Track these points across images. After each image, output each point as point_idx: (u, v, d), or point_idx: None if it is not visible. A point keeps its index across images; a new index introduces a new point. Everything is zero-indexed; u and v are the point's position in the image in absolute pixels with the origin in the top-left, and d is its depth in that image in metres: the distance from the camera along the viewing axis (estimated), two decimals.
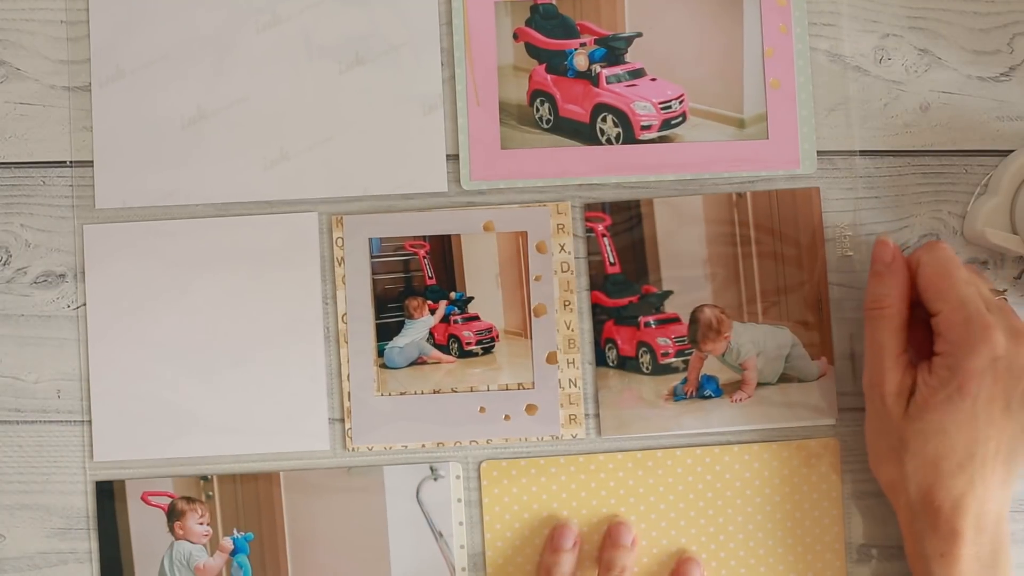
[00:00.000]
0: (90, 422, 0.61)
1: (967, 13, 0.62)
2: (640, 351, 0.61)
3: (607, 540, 0.59)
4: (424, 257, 0.61)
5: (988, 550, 0.54)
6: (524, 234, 0.61)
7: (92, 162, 0.61)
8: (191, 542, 0.60)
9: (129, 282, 0.61)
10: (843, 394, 0.61)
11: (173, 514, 0.60)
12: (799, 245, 0.61)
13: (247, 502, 0.60)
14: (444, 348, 0.61)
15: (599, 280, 0.61)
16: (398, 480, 0.60)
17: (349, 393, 0.61)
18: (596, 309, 0.61)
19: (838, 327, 0.62)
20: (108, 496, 0.60)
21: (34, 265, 0.61)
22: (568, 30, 0.62)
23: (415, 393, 0.61)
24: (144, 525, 0.60)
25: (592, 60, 0.62)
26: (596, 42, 0.62)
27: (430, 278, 0.61)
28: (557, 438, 0.61)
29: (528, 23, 0.62)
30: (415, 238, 0.61)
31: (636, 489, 0.61)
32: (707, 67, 0.62)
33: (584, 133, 0.62)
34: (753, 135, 0.62)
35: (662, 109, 0.62)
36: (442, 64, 0.62)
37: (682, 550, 0.61)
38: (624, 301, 0.61)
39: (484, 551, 0.61)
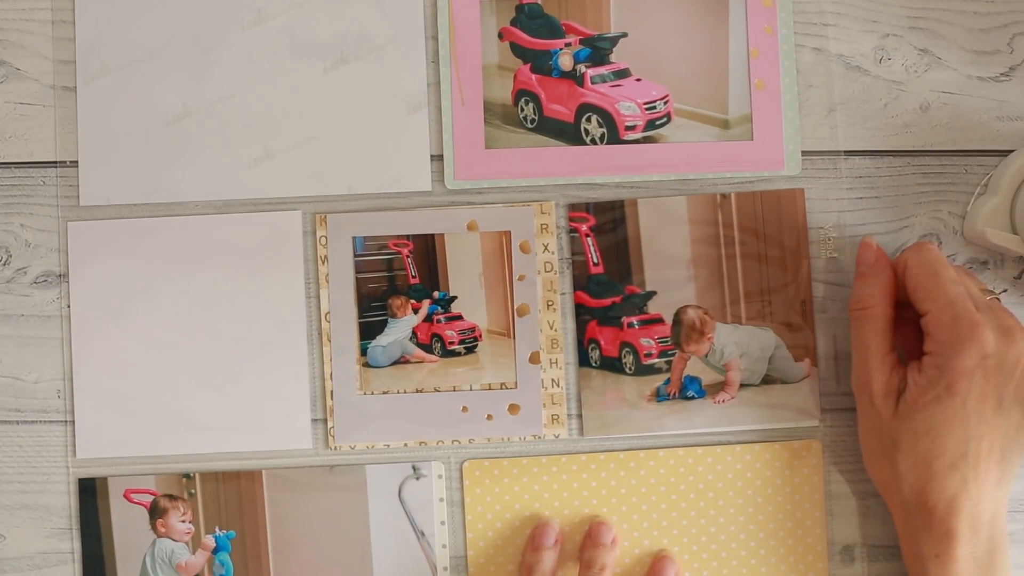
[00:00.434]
0: (73, 422, 0.61)
1: (967, 13, 0.62)
2: (623, 351, 0.61)
3: (588, 539, 0.60)
4: (407, 256, 0.61)
5: (984, 550, 0.54)
6: (508, 234, 0.61)
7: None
8: (173, 540, 0.60)
9: (113, 280, 0.61)
10: (826, 395, 0.61)
11: (155, 512, 0.61)
12: (783, 246, 0.61)
13: (229, 500, 0.60)
14: (427, 347, 0.61)
15: (582, 280, 0.61)
16: (380, 479, 0.60)
17: (332, 392, 0.61)
18: (579, 309, 0.61)
19: (822, 329, 0.62)
20: (91, 493, 0.61)
21: (34, 265, 0.61)
22: (553, 30, 0.62)
23: (398, 392, 0.61)
24: (126, 523, 0.60)
25: (577, 60, 0.62)
26: (581, 42, 0.62)
27: (413, 277, 0.61)
28: (539, 438, 0.61)
29: (513, 23, 0.62)
30: (399, 237, 0.61)
31: (618, 490, 0.61)
32: (692, 68, 0.62)
33: (568, 133, 0.62)
34: (738, 136, 0.62)
35: (647, 109, 0.62)
36: (427, 63, 0.62)
37: (662, 550, 0.61)
38: (607, 301, 0.61)
39: (466, 551, 0.61)
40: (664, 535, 0.61)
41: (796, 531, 0.61)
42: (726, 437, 0.61)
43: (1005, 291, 0.62)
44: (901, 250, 0.62)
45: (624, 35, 0.62)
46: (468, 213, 0.61)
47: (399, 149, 0.61)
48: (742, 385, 0.61)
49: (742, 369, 0.61)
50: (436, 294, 0.61)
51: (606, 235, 0.61)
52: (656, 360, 0.61)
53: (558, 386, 0.61)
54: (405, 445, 0.61)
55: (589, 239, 0.61)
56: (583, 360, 0.61)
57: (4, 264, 0.61)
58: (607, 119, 0.61)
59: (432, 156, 0.61)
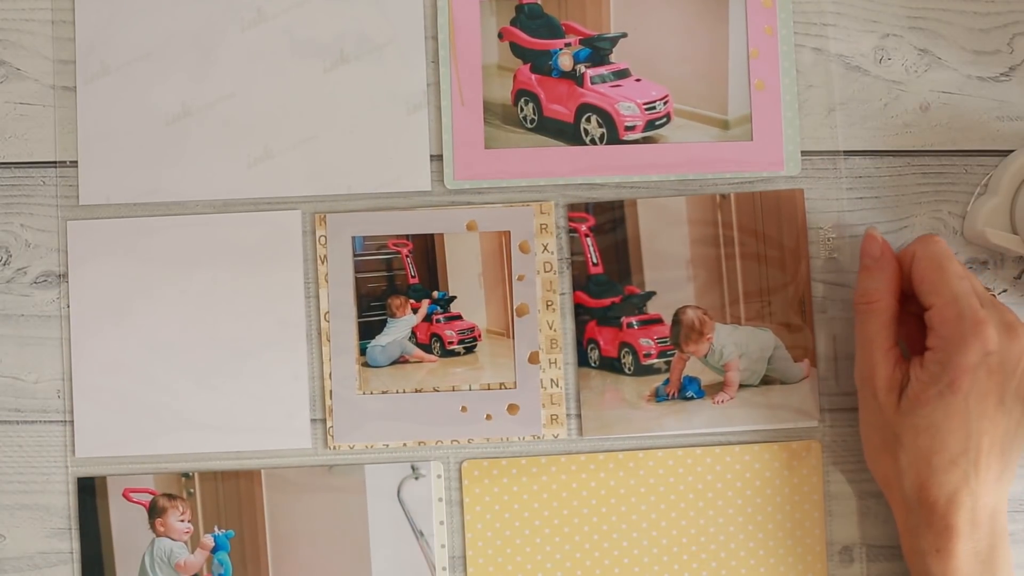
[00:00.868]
0: (72, 421, 0.61)
1: (967, 13, 0.62)
2: (622, 352, 0.61)
3: None
4: (407, 256, 0.61)
5: (985, 545, 0.54)
6: (507, 234, 0.61)
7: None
8: (172, 539, 0.61)
9: (113, 279, 0.61)
10: (825, 396, 0.61)
11: (154, 511, 0.61)
12: (782, 247, 0.61)
13: (228, 499, 0.61)
14: (426, 347, 0.61)
15: (582, 280, 0.61)
16: (379, 479, 0.60)
17: (331, 391, 0.61)
18: (579, 309, 0.61)
19: (821, 329, 0.62)
20: (90, 493, 0.61)
21: (34, 265, 0.61)
22: (553, 30, 0.62)
23: (397, 392, 0.61)
24: (125, 522, 0.60)
25: (577, 60, 0.62)
26: (581, 42, 0.62)
27: (413, 277, 0.61)
28: (539, 438, 0.61)
29: (513, 23, 0.62)
30: (398, 237, 0.61)
31: (617, 490, 0.61)
32: (692, 68, 0.62)
33: (568, 133, 0.62)
34: (737, 136, 0.62)
35: (646, 110, 0.62)
36: (427, 63, 0.62)
37: (663, 551, 0.61)
38: (607, 302, 0.61)
39: (465, 551, 0.61)
40: (663, 535, 0.61)
41: (795, 531, 0.61)
42: (725, 437, 0.61)
43: (1005, 291, 0.62)
44: (902, 248, 0.62)
45: (624, 35, 0.62)
46: (468, 213, 0.61)
47: (399, 149, 0.61)
48: (741, 385, 0.61)
49: (741, 369, 0.61)
50: (435, 294, 0.61)
51: (606, 235, 0.61)
52: (655, 360, 0.61)
53: (557, 386, 0.61)
54: (404, 445, 0.61)
55: (588, 239, 0.61)
56: (582, 360, 0.61)
57: (4, 264, 0.61)
58: (607, 119, 0.61)
59: (432, 156, 0.61)
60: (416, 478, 0.61)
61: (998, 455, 0.54)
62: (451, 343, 0.61)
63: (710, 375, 0.61)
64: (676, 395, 0.61)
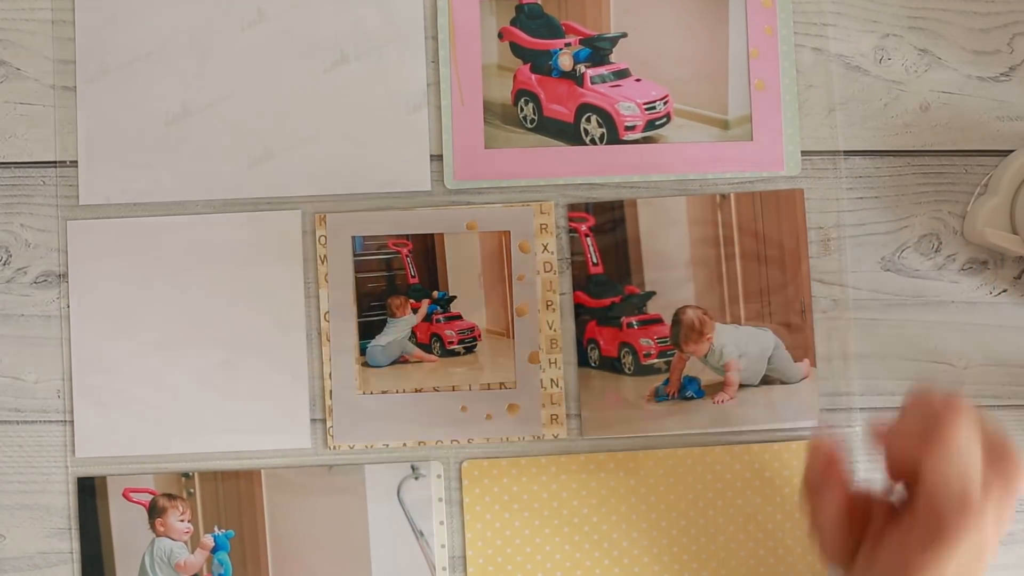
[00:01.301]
0: (72, 421, 0.61)
1: (967, 13, 0.62)
2: (622, 352, 0.61)
3: None
4: (407, 256, 0.61)
5: None
6: (507, 234, 0.61)
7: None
8: (172, 539, 0.60)
9: (113, 279, 0.61)
10: (825, 396, 0.61)
11: (154, 511, 0.61)
12: (782, 247, 0.61)
13: (228, 499, 0.61)
14: (426, 347, 0.61)
15: (582, 280, 0.61)
16: (379, 479, 0.60)
17: (331, 391, 0.61)
18: (579, 309, 0.61)
19: (821, 329, 0.62)
20: (90, 493, 0.61)
21: (34, 265, 0.61)
22: (553, 30, 0.62)
23: (397, 392, 0.61)
24: (125, 522, 0.60)
25: (577, 60, 0.62)
26: (581, 42, 0.62)
27: (413, 277, 0.61)
28: (539, 438, 0.61)
29: (513, 23, 0.62)
30: (398, 237, 0.61)
31: (617, 490, 0.61)
32: (692, 68, 0.62)
33: (568, 133, 0.62)
34: (737, 136, 0.62)
35: (646, 110, 0.62)
36: (427, 63, 0.62)
37: (663, 551, 0.61)
38: (607, 301, 0.61)
39: (465, 551, 0.61)
40: (663, 535, 0.61)
41: (794, 532, 0.61)
42: (725, 437, 0.61)
43: (1005, 291, 0.62)
44: (902, 248, 0.62)
45: (624, 35, 0.62)
46: (467, 213, 0.61)
47: (399, 149, 0.61)
48: (741, 385, 0.61)
49: (741, 369, 0.61)
50: (435, 294, 0.61)
51: (605, 235, 0.61)
52: (655, 360, 0.61)
53: (557, 386, 0.61)
54: (404, 445, 0.61)
55: (588, 239, 0.61)
56: (582, 360, 0.61)
57: (4, 264, 0.61)
58: (607, 119, 0.61)
59: (432, 156, 0.61)
60: (416, 478, 0.61)
61: None
62: (451, 343, 0.61)
63: (710, 375, 0.61)
64: (676, 395, 0.61)
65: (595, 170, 0.61)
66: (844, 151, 0.62)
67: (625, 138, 0.61)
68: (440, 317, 0.61)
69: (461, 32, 0.62)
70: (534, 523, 0.61)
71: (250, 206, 0.61)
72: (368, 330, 0.61)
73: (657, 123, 0.62)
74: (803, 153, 0.62)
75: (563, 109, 0.62)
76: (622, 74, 0.62)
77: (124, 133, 0.61)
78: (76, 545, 0.61)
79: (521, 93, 0.62)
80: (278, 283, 0.61)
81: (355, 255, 0.61)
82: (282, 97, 0.61)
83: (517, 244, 0.61)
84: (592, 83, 0.62)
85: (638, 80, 0.62)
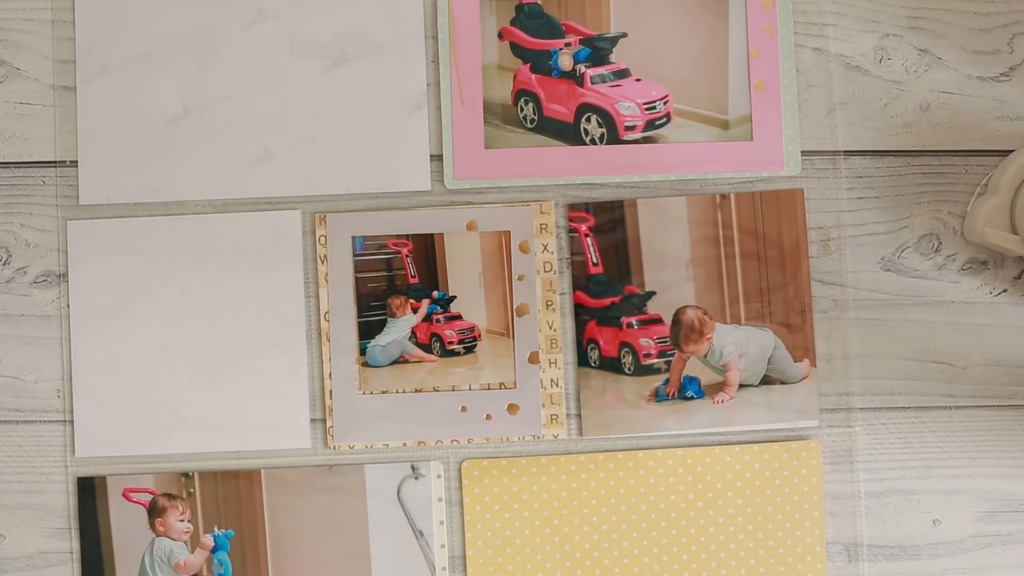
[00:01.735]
0: (72, 421, 0.61)
1: (967, 13, 0.62)
2: (622, 352, 0.61)
3: None
4: (407, 256, 0.61)
5: None
6: (507, 234, 0.61)
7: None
8: (172, 539, 0.60)
9: (112, 279, 0.61)
10: (825, 396, 0.61)
11: (154, 511, 0.61)
12: (782, 247, 0.61)
13: (228, 499, 0.61)
14: (426, 347, 0.61)
15: (582, 280, 0.61)
16: (379, 479, 0.60)
17: (331, 391, 0.61)
18: (579, 309, 0.61)
19: (821, 329, 0.62)
20: (90, 492, 0.61)
21: (34, 265, 0.61)
22: (553, 30, 0.62)
23: (397, 392, 0.61)
24: (125, 522, 0.60)
25: (577, 60, 0.62)
26: (581, 42, 0.62)
27: (413, 277, 0.61)
28: (538, 438, 0.61)
29: (513, 23, 0.62)
30: (398, 237, 0.61)
31: (617, 490, 0.61)
32: (692, 68, 0.62)
33: (568, 133, 0.62)
34: (737, 136, 0.62)
35: (646, 109, 0.62)
36: (427, 63, 0.62)
37: (663, 551, 0.61)
38: (607, 301, 0.61)
39: (465, 550, 0.61)
40: (663, 535, 0.61)
41: (795, 531, 0.61)
42: (725, 437, 0.61)
43: (1005, 291, 0.62)
44: (902, 248, 0.62)
45: (624, 35, 0.62)
46: (467, 213, 0.61)
47: (399, 149, 0.61)
48: (741, 385, 0.61)
49: (741, 369, 0.61)
50: (435, 294, 0.61)
51: (605, 235, 0.61)
52: (655, 360, 0.61)
53: (557, 386, 0.61)
54: (404, 445, 0.61)
55: (588, 239, 0.61)
56: (582, 360, 0.61)
57: (4, 264, 0.61)
58: (607, 119, 0.61)
59: (432, 156, 0.61)
60: (416, 478, 0.61)
61: None
62: (451, 343, 0.61)
63: (710, 375, 0.61)
64: (676, 395, 0.61)
65: (595, 170, 0.61)
66: (844, 151, 0.62)
67: (625, 138, 0.61)
68: (440, 317, 0.61)
69: (461, 32, 0.62)
70: (534, 523, 0.61)
71: (250, 206, 0.61)
72: (368, 330, 0.61)
73: (657, 123, 0.62)
74: (803, 153, 0.62)
75: (563, 109, 0.62)
76: (622, 74, 0.62)
77: (124, 133, 0.61)
78: (76, 545, 0.61)
79: (521, 93, 0.62)
80: (278, 283, 0.61)
81: (355, 255, 0.61)
82: (282, 97, 0.61)
83: (517, 244, 0.61)
84: (592, 83, 0.62)
85: (638, 80, 0.62)
